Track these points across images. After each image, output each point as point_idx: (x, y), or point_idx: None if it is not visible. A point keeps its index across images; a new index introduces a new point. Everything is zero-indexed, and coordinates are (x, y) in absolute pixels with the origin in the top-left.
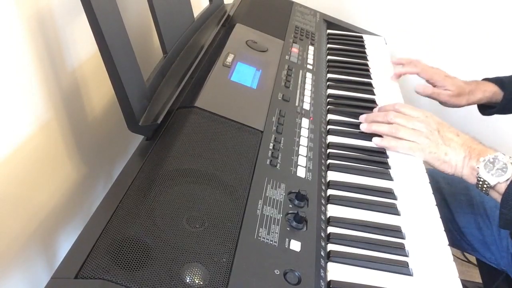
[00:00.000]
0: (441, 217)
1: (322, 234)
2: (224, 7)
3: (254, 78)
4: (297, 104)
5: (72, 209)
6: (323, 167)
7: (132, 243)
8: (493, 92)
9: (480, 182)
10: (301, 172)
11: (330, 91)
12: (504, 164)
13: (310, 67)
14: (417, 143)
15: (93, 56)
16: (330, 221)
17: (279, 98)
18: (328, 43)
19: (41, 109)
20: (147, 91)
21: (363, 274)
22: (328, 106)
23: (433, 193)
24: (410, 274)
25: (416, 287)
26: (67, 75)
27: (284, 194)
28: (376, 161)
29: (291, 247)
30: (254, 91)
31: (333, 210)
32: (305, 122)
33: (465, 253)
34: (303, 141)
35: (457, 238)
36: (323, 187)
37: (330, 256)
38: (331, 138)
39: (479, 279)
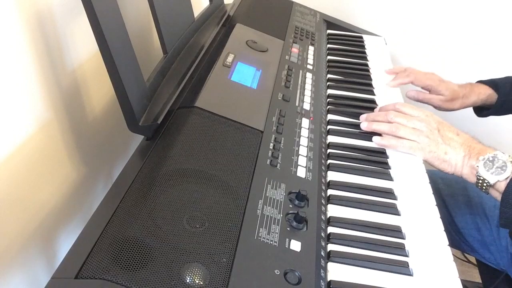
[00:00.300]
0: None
1: (322, 234)
2: (224, 7)
3: (254, 78)
4: (297, 104)
5: (72, 209)
6: (323, 167)
7: (132, 243)
8: (487, 94)
9: (480, 181)
10: (301, 172)
11: (330, 91)
12: (503, 162)
13: (310, 67)
14: (417, 142)
15: (93, 56)
16: (330, 221)
17: (279, 98)
18: (328, 43)
19: (41, 109)
20: (147, 91)
21: (363, 274)
22: (328, 106)
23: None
24: (410, 274)
25: (416, 287)
26: (67, 75)
27: (284, 194)
28: (376, 161)
29: (291, 247)
30: (254, 91)
31: (333, 210)
32: (305, 122)
33: (465, 253)
34: (303, 141)
35: (456, 239)
36: (323, 187)
37: (330, 256)
38: (331, 138)
39: (479, 279)
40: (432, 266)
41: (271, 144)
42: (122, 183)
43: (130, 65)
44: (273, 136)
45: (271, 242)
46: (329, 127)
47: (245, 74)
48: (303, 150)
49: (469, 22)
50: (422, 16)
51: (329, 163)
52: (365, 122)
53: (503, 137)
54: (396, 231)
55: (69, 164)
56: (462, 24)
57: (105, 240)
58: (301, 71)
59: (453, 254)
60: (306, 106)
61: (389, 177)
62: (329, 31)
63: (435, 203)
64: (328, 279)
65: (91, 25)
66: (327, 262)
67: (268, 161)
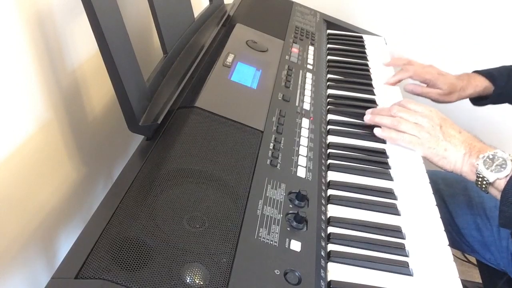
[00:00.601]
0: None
1: (322, 234)
2: (224, 7)
3: (254, 78)
4: (297, 104)
5: (72, 209)
6: (323, 167)
7: (132, 243)
8: (484, 86)
9: (480, 179)
10: (301, 172)
11: (330, 91)
12: (503, 160)
13: (310, 67)
14: (418, 137)
15: (93, 56)
16: (330, 221)
17: (279, 98)
18: (328, 43)
19: (41, 109)
20: (147, 91)
21: (363, 274)
22: (328, 106)
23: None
24: (410, 274)
25: (416, 287)
26: (67, 75)
27: (284, 194)
28: (376, 161)
29: (291, 247)
30: (254, 91)
31: (333, 210)
32: (305, 122)
33: (465, 254)
34: (303, 141)
35: (456, 239)
36: (323, 187)
37: (331, 256)
38: (331, 138)
39: (479, 279)
40: (432, 266)
41: (271, 144)
42: (122, 183)
43: (130, 65)
44: (273, 136)
45: (271, 242)
46: (329, 127)
47: (245, 74)
48: (303, 150)
49: (469, 22)
50: (422, 16)
51: (329, 163)
52: (368, 114)
53: (505, 136)
54: (396, 231)
55: (69, 164)
56: (462, 24)
57: (105, 240)
58: (301, 71)
59: (453, 254)
60: (306, 106)
61: (389, 177)
62: (329, 31)
63: (435, 203)
64: (328, 279)
65: (91, 25)
66: (327, 262)
67: (268, 161)
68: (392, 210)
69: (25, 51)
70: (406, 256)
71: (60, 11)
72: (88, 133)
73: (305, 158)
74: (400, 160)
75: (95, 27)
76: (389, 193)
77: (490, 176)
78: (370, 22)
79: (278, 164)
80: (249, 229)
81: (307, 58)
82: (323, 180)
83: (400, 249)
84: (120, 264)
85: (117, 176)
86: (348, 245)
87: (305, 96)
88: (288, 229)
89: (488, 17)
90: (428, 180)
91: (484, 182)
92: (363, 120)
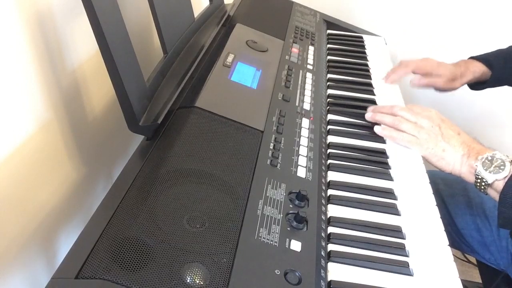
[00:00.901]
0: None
1: (323, 234)
2: (224, 7)
3: (254, 78)
4: (297, 104)
5: (72, 209)
6: (323, 167)
7: (133, 243)
8: (481, 72)
9: (478, 180)
10: (301, 172)
11: (330, 91)
12: (501, 161)
13: (310, 67)
14: (417, 137)
15: (93, 56)
16: (331, 221)
17: (279, 98)
18: (328, 43)
19: (41, 109)
20: (148, 91)
21: (363, 274)
22: (328, 106)
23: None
24: (410, 274)
25: (416, 287)
26: (67, 75)
27: (284, 194)
28: (376, 161)
29: (291, 247)
30: (254, 91)
31: (333, 210)
32: (305, 122)
33: (465, 254)
34: (303, 141)
35: (456, 239)
36: (324, 187)
37: (331, 256)
38: (331, 138)
39: (479, 279)
40: (432, 266)
41: (271, 144)
42: (122, 183)
43: (130, 65)
44: (273, 136)
45: (271, 242)
46: (329, 127)
47: (245, 74)
48: (303, 150)
49: (469, 22)
50: (422, 16)
51: (329, 163)
52: (370, 112)
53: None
54: (396, 231)
55: (69, 164)
56: (462, 24)
57: (105, 240)
58: (301, 71)
59: (453, 254)
60: (306, 106)
61: (389, 177)
62: (329, 31)
63: (435, 203)
64: (328, 279)
65: (91, 25)
66: (327, 262)
67: (268, 161)
68: (392, 210)
69: (25, 51)
70: (406, 256)
71: (60, 11)
72: (88, 133)
73: (305, 158)
74: (400, 160)
75: (95, 27)
76: (389, 193)
77: (489, 177)
78: (370, 22)
79: (278, 164)
80: (249, 229)
81: (307, 58)
82: (323, 180)
83: (400, 249)
84: (120, 264)
85: (117, 176)
86: (348, 245)
87: (305, 96)
88: (288, 229)
89: (488, 17)
90: (428, 180)
91: (483, 184)
92: (363, 120)
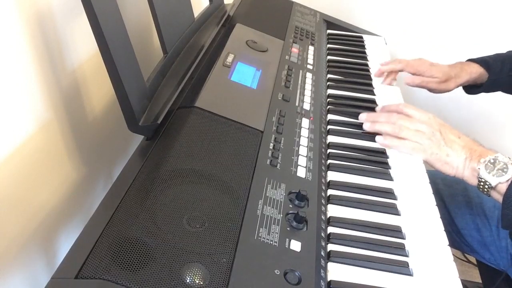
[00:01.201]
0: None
1: (322, 234)
2: (224, 7)
3: (254, 78)
4: (297, 104)
5: (72, 209)
6: (323, 167)
7: (132, 243)
8: (478, 73)
9: (481, 183)
10: (301, 172)
11: (330, 91)
12: (504, 164)
13: (310, 67)
14: (420, 144)
15: (93, 56)
16: (330, 221)
17: (279, 98)
18: (328, 43)
19: (41, 109)
20: (147, 91)
21: (363, 274)
22: (328, 106)
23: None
24: (410, 274)
25: (416, 287)
26: (67, 75)
27: (284, 194)
28: (376, 161)
29: (291, 247)
30: (254, 91)
31: (333, 210)
32: (305, 122)
33: (465, 254)
34: (303, 141)
35: (456, 239)
36: (323, 187)
37: (330, 256)
38: (331, 138)
39: (479, 279)
40: (432, 266)
41: (271, 144)
42: (122, 183)
43: (130, 65)
44: (273, 136)
45: (271, 242)
46: (329, 127)
47: (245, 74)
48: (303, 150)
49: (469, 22)
50: (422, 16)
51: (329, 163)
52: (368, 122)
53: (505, 141)
54: (396, 231)
55: (69, 164)
56: (462, 24)
57: (105, 240)
58: (301, 71)
59: (453, 254)
60: (306, 106)
61: (389, 177)
62: (329, 31)
63: (435, 203)
64: (328, 279)
65: (91, 25)
66: (327, 262)
67: (268, 161)
68: (392, 210)
69: (25, 51)
70: (406, 256)
71: (60, 11)
72: (88, 133)
73: (305, 158)
74: (400, 160)
75: (95, 27)
76: (389, 193)
77: (492, 180)
78: (370, 22)
79: (278, 164)
80: (249, 229)
81: (307, 58)
82: (323, 180)
83: (400, 249)
84: (120, 264)
85: (117, 176)
86: (348, 245)
87: (305, 96)
88: (288, 229)
89: (488, 17)
90: (428, 180)
91: (486, 186)
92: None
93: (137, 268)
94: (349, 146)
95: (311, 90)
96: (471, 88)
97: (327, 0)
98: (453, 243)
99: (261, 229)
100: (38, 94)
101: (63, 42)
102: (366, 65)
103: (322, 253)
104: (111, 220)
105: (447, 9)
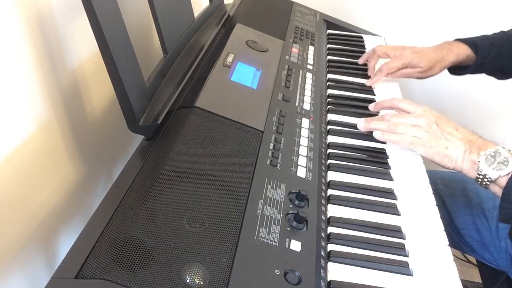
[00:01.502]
0: None
1: (322, 234)
2: (224, 7)
3: (254, 78)
4: (297, 104)
5: (72, 209)
6: (323, 167)
7: (133, 243)
8: (466, 55)
9: (481, 176)
10: (301, 172)
11: (330, 91)
12: (505, 158)
13: (310, 67)
14: (418, 138)
15: (93, 56)
16: (330, 221)
17: (279, 98)
18: (328, 43)
19: (41, 109)
20: (148, 91)
21: (363, 274)
22: (328, 106)
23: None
24: (410, 274)
25: (416, 287)
26: (67, 75)
27: (284, 194)
28: (376, 161)
29: (291, 247)
30: (254, 91)
31: (333, 210)
32: (305, 122)
33: (465, 254)
34: (303, 141)
35: (455, 239)
36: (323, 187)
37: (331, 256)
38: (331, 138)
39: (479, 279)
40: (432, 266)
41: (271, 144)
42: (122, 183)
43: (130, 65)
44: (273, 136)
45: (271, 242)
46: (329, 127)
47: (245, 74)
48: (303, 150)
49: (469, 22)
50: (422, 16)
51: (329, 163)
52: (362, 122)
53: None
54: (396, 231)
55: (69, 164)
56: (462, 24)
57: (105, 240)
58: (301, 71)
59: (453, 254)
60: (306, 106)
61: (389, 177)
62: (329, 31)
63: (435, 203)
64: (328, 279)
65: (91, 25)
66: (327, 262)
67: (268, 161)
68: (392, 210)
69: (25, 51)
70: (406, 256)
71: (60, 11)
72: (88, 133)
73: (305, 158)
74: (400, 160)
75: (95, 27)
76: (389, 193)
77: (492, 173)
78: (370, 22)
79: (278, 164)
80: (249, 229)
81: (307, 58)
82: (323, 180)
83: (400, 249)
84: (120, 264)
85: (117, 176)
86: (348, 245)
87: (305, 96)
88: (288, 229)
89: (488, 17)
90: (428, 180)
91: (486, 180)
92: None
93: (137, 268)
94: (349, 146)
95: (311, 90)
96: (456, 69)
97: (327, 0)
98: (453, 243)
99: (261, 229)
100: (38, 94)
101: (63, 42)
102: (366, 65)
103: (322, 253)
104: (111, 220)
105: (447, 9)
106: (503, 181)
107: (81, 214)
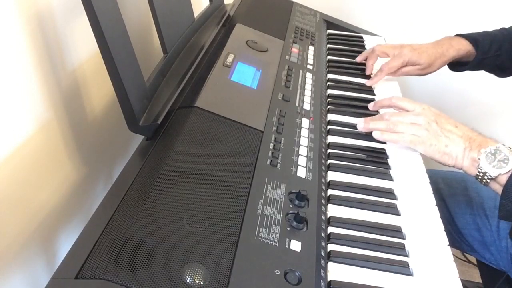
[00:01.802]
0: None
1: (323, 234)
2: (224, 7)
3: (254, 78)
4: (297, 104)
5: (72, 209)
6: (323, 167)
7: (133, 243)
8: (466, 50)
9: (481, 174)
10: (301, 172)
11: (330, 91)
12: (505, 155)
13: (310, 67)
14: (417, 136)
15: (93, 56)
16: (331, 221)
17: (279, 98)
18: (328, 43)
19: (41, 109)
20: (148, 91)
21: (363, 274)
22: (328, 106)
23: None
24: (410, 274)
25: (416, 287)
26: (67, 75)
27: (284, 194)
28: (376, 161)
29: (291, 247)
30: (254, 91)
31: (333, 210)
32: (305, 122)
33: (465, 253)
34: (303, 141)
35: (456, 239)
36: (323, 187)
37: (331, 256)
38: (331, 138)
39: (479, 279)
40: (432, 266)
41: (271, 144)
42: (122, 183)
43: (130, 65)
44: (273, 136)
45: (271, 242)
46: (329, 127)
47: (245, 74)
48: (303, 150)
49: (469, 22)
50: (422, 16)
51: (329, 163)
52: (362, 122)
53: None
54: (396, 231)
55: (69, 164)
56: (462, 24)
57: (105, 240)
58: (301, 71)
59: (453, 254)
60: (306, 106)
61: (389, 177)
62: (329, 31)
63: (435, 203)
64: (328, 279)
65: (91, 25)
66: (327, 262)
67: (268, 161)
68: (392, 210)
69: (25, 51)
70: (406, 256)
71: (60, 11)
72: (88, 133)
73: (305, 158)
74: (400, 160)
75: (95, 27)
76: (389, 193)
77: (493, 171)
78: (370, 22)
79: (278, 164)
80: (249, 229)
81: (307, 58)
82: (323, 180)
83: (400, 249)
84: (120, 264)
85: (117, 176)
86: (348, 245)
87: (305, 96)
88: (288, 229)
89: (488, 17)
90: (428, 180)
91: (486, 177)
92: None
93: (137, 268)
94: (349, 146)
95: (311, 90)
96: (456, 65)
97: (327, 0)
98: (453, 243)
99: (261, 229)
100: (38, 94)
101: (63, 42)
102: (364, 64)
103: (322, 253)
104: (111, 220)
105: (447, 9)
106: (503, 179)
107: (81, 214)
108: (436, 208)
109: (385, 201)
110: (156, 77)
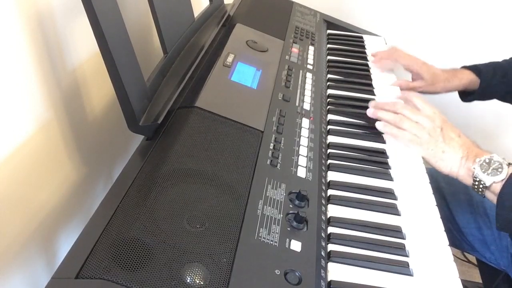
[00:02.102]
0: (441, 217)
1: (323, 234)
2: (224, 7)
3: (254, 78)
4: (297, 104)
5: (72, 209)
6: (323, 167)
7: (133, 243)
8: (469, 79)
9: (476, 183)
10: (301, 172)
11: (330, 91)
12: (499, 164)
13: (310, 67)
14: (418, 137)
15: (93, 56)
16: (331, 221)
17: (279, 98)
18: (328, 43)
19: (41, 109)
20: (148, 91)
21: (363, 274)
22: (328, 106)
23: (433, 193)
24: (410, 274)
25: (416, 287)
26: (67, 75)
27: (284, 194)
28: (376, 161)
29: (291, 247)
30: (254, 91)
31: (333, 210)
32: (305, 122)
33: (465, 253)
34: (304, 141)
35: (457, 237)
36: (324, 187)
37: (331, 256)
38: (331, 138)
39: (479, 279)
40: (432, 266)
41: (271, 144)
42: (122, 183)
43: (130, 65)
44: (273, 136)
45: (271, 242)
46: (329, 127)
47: (245, 74)
48: (303, 150)
49: (469, 22)
50: (422, 16)
51: (329, 163)
52: (372, 108)
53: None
54: (396, 231)
55: (69, 164)
56: (462, 25)
57: (105, 240)
58: (301, 71)
59: (453, 254)
60: (306, 106)
61: (389, 177)
62: (329, 31)
63: (435, 203)
64: (329, 279)
65: (91, 25)
66: (327, 262)
67: (268, 161)
68: (392, 210)
69: (25, 51)
70: (406, 256)
71: (60, 11)
72: (88, 133)
73: (305, 158)
74: (400, 160)
75: (95, 27)
76: (389, 193)
77: (487, 179)
78: (370, 22)
79: (278, 164)
80: (249, 229)
81: (307, 58)
82: (323, 180)
83: (400, 249)
84: (120, 264)
85: (117, 176)
86: (348, 245)
87: (305, 96)
88: (288, 229)
89: (488, 17)
90: (428, 180)
91: (481, 186)
92: (363, 120)
93: (138, 268)
94: (349, 146)
95: (311, 90)
96: (464, 94)
97: (327, 0)
98: (454, 242)
99: (261, 229)
100: (38, 94)
101: (63, 42)
102: (366, 65)
103: (322, 253)
104: (111, 220)
105: (447, 9)
106: (497, 188)
107: (81, 214)
108: (436, 208)
109: (385, 201)
110: (156, 77)
